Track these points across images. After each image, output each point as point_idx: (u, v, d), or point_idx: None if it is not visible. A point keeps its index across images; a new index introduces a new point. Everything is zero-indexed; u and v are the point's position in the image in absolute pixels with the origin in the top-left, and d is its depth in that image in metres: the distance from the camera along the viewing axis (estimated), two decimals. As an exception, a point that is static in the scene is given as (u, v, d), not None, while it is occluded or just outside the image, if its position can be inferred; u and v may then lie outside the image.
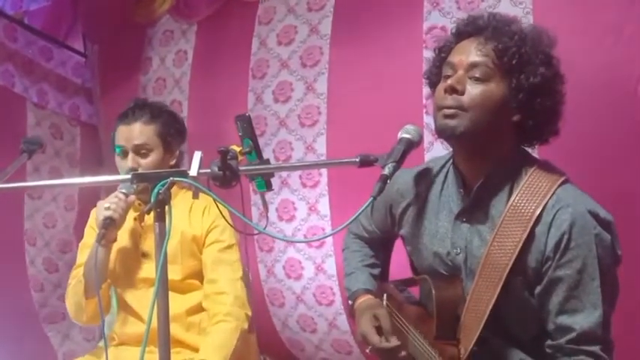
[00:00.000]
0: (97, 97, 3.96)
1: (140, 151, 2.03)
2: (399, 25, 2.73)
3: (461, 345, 1.46)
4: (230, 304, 1.97)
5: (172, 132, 2.10)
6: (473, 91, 1.40)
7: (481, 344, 1.44)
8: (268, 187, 1.54)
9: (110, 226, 1.87)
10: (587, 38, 2.31)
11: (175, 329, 1.93)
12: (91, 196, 3.36)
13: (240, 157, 1.46)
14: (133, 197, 1.95)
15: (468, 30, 1.48)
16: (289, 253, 3.13)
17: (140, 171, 1.99)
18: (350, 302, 1.76)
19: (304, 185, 3.05)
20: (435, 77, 1.54)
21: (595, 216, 1.37)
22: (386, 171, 1.34)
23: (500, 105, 1.40)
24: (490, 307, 1.41)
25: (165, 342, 1.34)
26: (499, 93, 1.40)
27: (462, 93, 1.40)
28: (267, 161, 1.53)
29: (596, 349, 1.34)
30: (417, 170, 1.67)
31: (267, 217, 1.66)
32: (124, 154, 2.04)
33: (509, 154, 1.47)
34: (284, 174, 3.09)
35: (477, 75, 1.40)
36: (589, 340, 1.34)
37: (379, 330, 1.59)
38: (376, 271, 1.82)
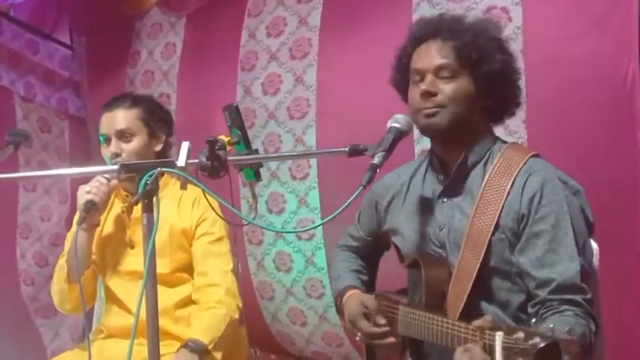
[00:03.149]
0: (84, 90, 3.94)
1: (123, 136, 2.02)
2: (389, 16, 2.72)
3: (448, 314, 1.49)
4: (222, 295, 1.97)
5: (156, 117, 2.09)
6: (446, 89, 1.52)
7: (468, 310, 1.46)
8: (257, 177, 1.53)
9: (91, 210, 1.87)
10: (574, 29, 2.32)
11: (164, 322, 1.91)
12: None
13: (228, 148, 1.45)
14: (115, 181, 1.93)
15: (425, 34, 1.58)
16: (279, 246, 3.13)
17: (123, 156, 1.99)
18: (338, 301, 1.78)
19: (294, 177, 3.04)
20: (401, 83, 1.65)
21: (564, 183, 1.49)
22: (375, 160, 1.35)
23: (471, 96, 1.53)
24: (475, 273, 1.46)
25: (154, 334, 1.33)
26: (468, 86, 1.53)
27: (437, 94, 1.51)
28: (256, 151, 1.52)
29: (577, 297, 1.40)
30: (400, 168, 1.77)
31: (256, 208, 1.65)
32: (108, 141, 2.03)
33: (481, 134, 1.59)
34: (273, 166, 3.08)
35: (445, 75, 1.53)
36: (570, 289, 1.40)
37: (367, 317, 1.64)
38: (364, 277, 1.85)
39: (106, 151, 2.03)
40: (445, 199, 1.59)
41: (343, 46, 2.88)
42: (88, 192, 1.87)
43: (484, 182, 1.51)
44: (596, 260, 1.65)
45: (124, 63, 3.74)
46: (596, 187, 2.24)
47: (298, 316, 3.13)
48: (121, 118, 2.03)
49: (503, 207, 1.47)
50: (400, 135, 1.45)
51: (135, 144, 2.02)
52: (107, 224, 2.08)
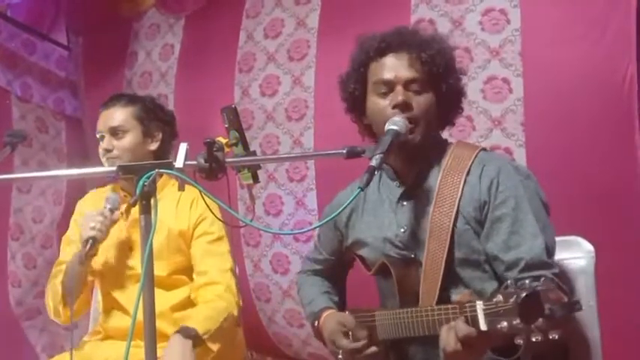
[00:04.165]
0: (81, 91, 3.93)
1: (116, 133, 2.03)
2: (387, 18, 2.71)
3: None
4: (222, 291, 1.97)
5: (152, 116, 2.10)
6: (418, 102, 1.54)
7: (442, 303, 1.46)
8: (255, 179, 1.53)
9: (93, 245, 1.86)
10: (572, 31, 2.33)
11: (161, 325, 1.89)
12: (78, 191, 3.32)
13: (226, 149, 1.44)
14: (118, 213, 1.94)
15: (390, 46, 1.58)
16: (276, 247, 3.12)
17: (115, 152, 2.00)
18: (315, 324, 1.77)
19: (291, 179, 3.04)
20: (359, 92, 1.64)
21: (515, 168, 1.56)
22: (373, 162, 1.35)
23: (435, 108, 1.57)
24: (443, 265, 1.49)
25: (151, 336, 1.32)
26: (434, 99, 1.57)
27: (412, 105, 1.53)
28: (254, 153, 1.52)
29: (547, 273, 1.43)
30: (351, 185, 1.79)
31: (254, 210, 1.65)
32: (103, 138, 2.04)
33: (435, 140, 1.64)
34: (271, 168, 3.08)
35: (417, 88, 1.55)
36: (538, 266, 1.44)
37: (347, 334, 1.64)
38: (335, 298, 1.85)
39: (100, 148, 2.04)
40: (404, 203, 1.61)
41: (341, 47, 2.86)
42: (93, 228, 1.87)
43: (439, 180, 1.55)
44: (593, 262, 1.66)
45: (121, 64, 3.73)
46: (595, 189, 2.25)
47: (295, 318, 3.12)
48: (116, 115, 2.04)
49: (461, 198, 1.51)
50: (398, 137, 1.45)
51: (127, 141, 2.03)
52: None
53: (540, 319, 1.09)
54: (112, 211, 1.92)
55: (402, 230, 1.59)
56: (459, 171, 1.54)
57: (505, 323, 1.13)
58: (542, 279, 1.15)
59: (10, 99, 3.66)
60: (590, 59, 2.29)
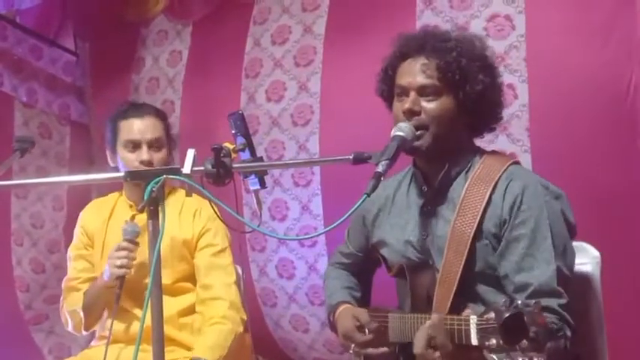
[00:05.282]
0: (88, 96, 3.95)
1: (154, 145, 2.01)
2: (393, 25, 2.72)
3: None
4: (226, 309, 1.97)
5: (170, 135, 2.11)
6: (429, 108, 1.54)
7: (455, 312, 1.45)
8: (262, 184, 1.54)
9: (124, 279, 1.88)
10: (577, 37, 2.34)
11: (168, 329, 1.90)
12: (80, 196, 3.34)
13: (233, 155, 1.45)
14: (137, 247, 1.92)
15: (410, 50, 1.59)
16: (281, 252, 3.13)
17: (154, 165, 1.98)
18: (331, 317, 1.78)
19: (297, 184, 3.04)
20: (387, 94, 1.68)
21: (545, 187, 1.51)
22: (379, 168, 1.35)
23: (453, 114, 1.55)
24: (459, 274, 1.48)
25: (159, 340, 1.33)
26: (450, 104, 1.55)
27: (420, 113, 1.54)
28: (261, 159, 1.53)
29: (552, 303, 1.41)
30: (384, 182, 1.75)
31: (261, 216, 1.65)
32: (136, 146, 2.01)
33: (463, 146, 1.62)
34: (276, 173, 3.09)
35: (429, 94, 1.54)
36: (546, 293, 1.42)
37: (360, 329, 1.65)
38: (356, 294, 1.84)
39: (133, 157, 2.00)
40: (429, 208, 1.61)
41: (347, 54, 2.89)
42: (121, 266, 1.87)
43: (465, 189, 1.53)
44: (598, 268, 1.66)
45: (128, 69, 3.75)
46: (599, 194, 2.25)
47: (301, 322, 3.13)
48: (153, 126, 2.02)
49: (485, 212, 1.49)
50: (404, 143, 1.46)
51: (163, 154, 2.03)
52: (110, 234, 2.09)
53: (525, 341, 1.09)
54: (131, 242, 1.91)
55: (423, 236, 1.60)
56: (486, 183, 1.52)
57: (494, 340, 1.14)
58: (534, 302, 1.15)
59: (13, 105, 3.66)
60: (595, 65, 2.29)
